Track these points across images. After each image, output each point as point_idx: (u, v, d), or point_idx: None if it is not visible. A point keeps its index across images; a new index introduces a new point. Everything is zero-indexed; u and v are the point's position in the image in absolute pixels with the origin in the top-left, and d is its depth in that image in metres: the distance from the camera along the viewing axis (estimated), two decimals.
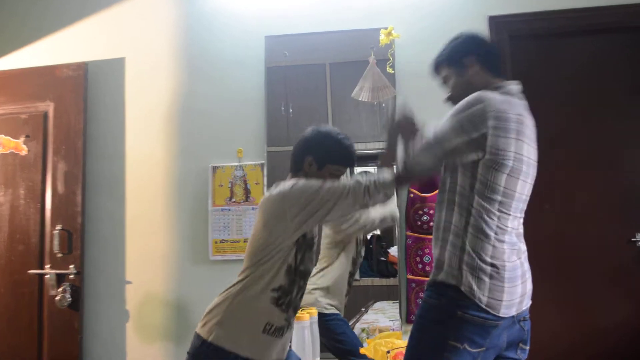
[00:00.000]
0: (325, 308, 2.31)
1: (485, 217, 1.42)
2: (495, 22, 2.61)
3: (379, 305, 2.70)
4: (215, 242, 2.67)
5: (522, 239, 1.51)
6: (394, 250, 2.67)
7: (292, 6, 2.75)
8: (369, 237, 2.71)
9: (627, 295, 2.51)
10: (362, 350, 2.34)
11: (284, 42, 2.74)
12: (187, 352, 1.59)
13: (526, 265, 1.49)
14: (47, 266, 2.73)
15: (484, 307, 1.40)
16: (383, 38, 2.57)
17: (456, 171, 1.49)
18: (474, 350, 1.40)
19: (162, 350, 2.69)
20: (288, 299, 1.60)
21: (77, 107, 2.78)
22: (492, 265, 1.41)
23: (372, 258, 2.75)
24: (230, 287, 1.58)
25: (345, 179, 1.63)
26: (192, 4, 2.83)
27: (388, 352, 2.23)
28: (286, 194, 1.53)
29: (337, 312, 2.35)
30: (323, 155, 1.67)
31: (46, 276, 2.71)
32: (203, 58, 2.79)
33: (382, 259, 2.77)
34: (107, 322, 2.76)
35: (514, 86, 1.57)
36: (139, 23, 2.88)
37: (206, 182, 2.71)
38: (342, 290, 2.37)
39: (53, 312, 2.69)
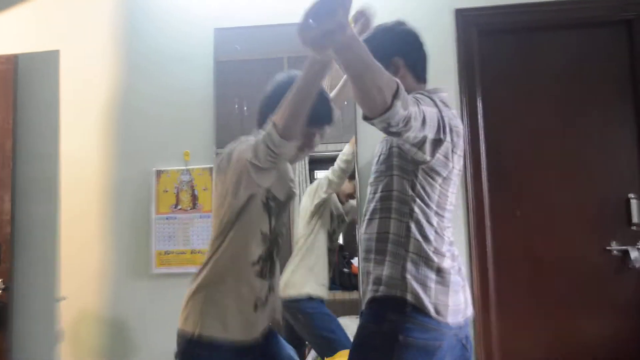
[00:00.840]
0: (309, 292, 2.29)
1: (426, 221, 1.39)
2: (463, 15, 2.51)
3: (341, 321, 2.48)
4: (159, 254, 2.49)
5: (454, 246, 1.48)
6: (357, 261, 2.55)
7: None
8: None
9: (603, 304, 2.44)
10: None
11: (236, 35, 2.59)
12: (175, 356, 1.51)
13: (463, 270, 1.47)
14: None
15: (432, 314, 1.36)
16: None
17: (389, 177, 1.43)
18: None
19: None
20: (269, 265, 1.55)
21: (5, 103, 2.56)
22: (438, 269, 1.38)
23: (334, 269, 2.59)
24: (203, 268, 1.49)
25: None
26: None
27: None
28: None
29: (321, 297, 2.31)
30: None
31: None
32: (146, 52, 2.62)
33: (345, 270, 2.63)
34: (39, 342, 2.55)
35: (445, 94, 1.48)
36: (76, 13, 2.68)
37: (149, 188, 2.53)
38: (324, 267, 2.33)
39: None
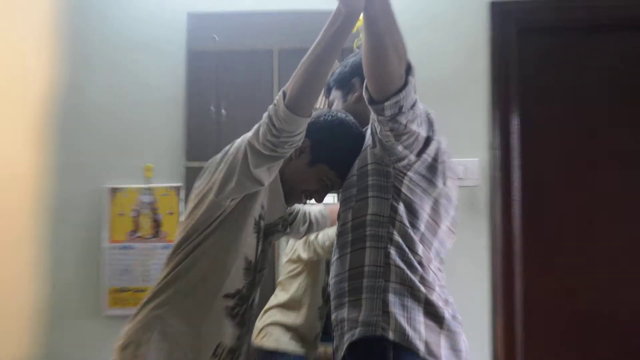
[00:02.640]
0: (289, 346, 2.09)
1: (409, 248, 1.30)
2: (500, 9, 2.29)
3: None
4: (112, 291, 2.21)
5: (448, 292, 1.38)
6: None
7: None
8: None
9: None
10: None
11: (214, 23, 2.38)
12: None
13: (459, 318, 1.34)
14: None
15: (423, 354, 1.24)
16: None
17: (363, 200, 1.33)
18: None
19: None
20: (244, 310, 1.42)
21: None
22: (427, 302, 1.27)
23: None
24: (157, 290, 1.36)
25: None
26: None
27: None
28: None
29: (301, 353, 2.12)
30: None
31: None
32: (98, 40, 2.36)
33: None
34: None
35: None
36: None
37: (100, 209, 2.26)
38: (313, 330, 2.13)
39: None
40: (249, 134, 1.25)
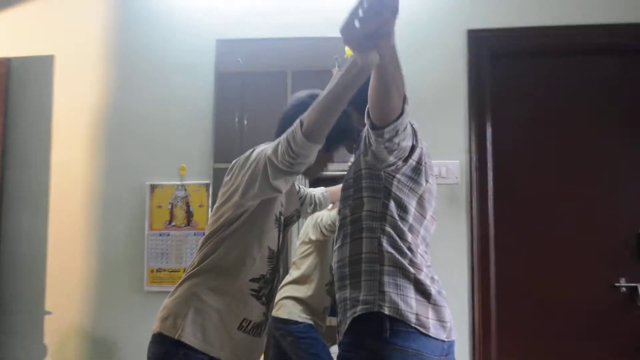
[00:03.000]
0: (300, 316, 2.28)
1: (399, 236, 1.41)
2: (476, 36, 2.52)
3: (334, 350, 2.51)
4: (152, 271, 2.46)
5: (433, 271, 1.49)
6: None
7: (248, 8, 2.61)
8: None
9: (609, 343, 2.45)
10: None
11: (238, 47, 2.60)
12: None
13: (444, 293, 1.46)
14: None
15: (413, 323, 1.35)
16: (348, 49, 2.41)
17: (358, 199, 1.45)
18: None
19: None
20: (269, 290, 1.53)
21: None
22: (416, 281, 1.39)
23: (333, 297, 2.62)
24: (192, 272, 1.48)
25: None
26: (134, 2, 2.67)
27: None
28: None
29: (310, 322, 2.32)
30: None
31: None
32: (143, 61, 2.64)
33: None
34: (23, 358, 2.55)
35: None
36: (72, 18, 2.70)
37: (143, 202, 2.52)
38: (322, 303, 2.32)
39: None
40: (269, 150, 1.35)
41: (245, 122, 2.59)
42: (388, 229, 1.41)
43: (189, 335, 1.42)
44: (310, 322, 2.31)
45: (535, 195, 2.51)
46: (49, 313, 2.53)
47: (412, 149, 1.37)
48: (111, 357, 2.47)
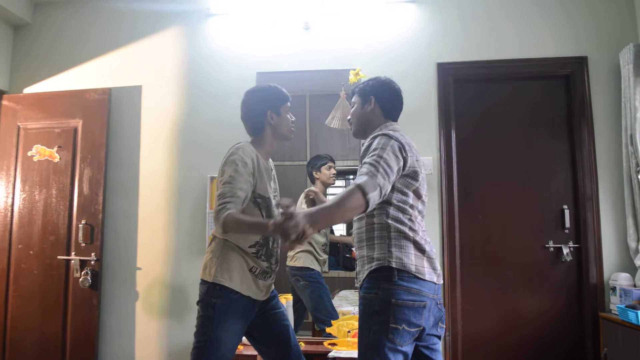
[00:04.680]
0: (312, 264, 2.87)
1: (402, 212, 1.67)
2: (443, 68, 3.12)
3: (343, 293, 3.17)
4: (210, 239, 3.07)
5: (427, 236, 1.77)
6: None
7: (280, 49, 3.25)
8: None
9: (541, 287, 2.97)
10: (327, 330, 2.83)
11: (271, 77, 3.15)
12: (197, 302, 1.84)
13: (435, 252, 1.74)
14: (73, 253, 3.22)
15: (413, 272, 1.60)
16: (352, 77, 3.06)
17: None
18: (412, 330, 1.61)
19: (165, 325, 3.15)
20: (265, 250, 1.85)
21: (101, 124, 3.28)
22: (414, 242, 1.66)
23: (338, 255, 3.25)
24: (216, 237, 1.86)
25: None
26: (199, 44, 3.34)
27: (349, 331, 2.71)
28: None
29: (319, 270, 2.87)
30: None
31: (72, 261, 3.20)
32: (205, 88, 3.27)
33: (347, 255, 3.25)
34: (121, 301, 3.20)
35: (397, 126, 1.89)
36: (155, 57, 3.37)
37: (205, 189, 3.17)
38: (322, 257, 2.93)
39: (76, 291, 3.19)
40: (217, 191, 1.71)
41: None
42: (393, 207, 1.67)
43: (219, 277, 1.78)
44: (319, 270, 2.90)
45: (488, 181, 3.06)
46: (139, 269, 3.19)
47: (404, 162, 1.64)
48: (184, 300, 3.09)
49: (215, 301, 1.79)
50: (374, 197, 1.53)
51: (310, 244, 2.95)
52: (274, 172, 2.03)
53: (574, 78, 3.05)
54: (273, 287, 2.01)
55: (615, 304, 2.77)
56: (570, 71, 3.06)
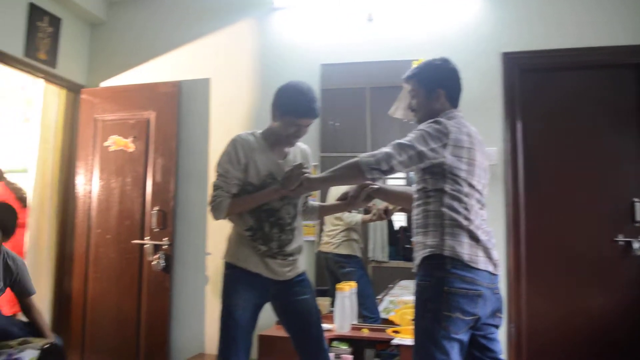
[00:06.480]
0: (358, 252, 3.09)
1: (457, 201, 1.69)
2: (508, 57, 3.10)
3: (403, 283, 3.24)
4: None
5: (487, 225, 1.76)
6: None
7: (343, 41, 3.33)
8: (397, 227, 3.32)
9: (610, 282, 2.91)
10: (390, 318, 2.93)
11: (335, 70, 3.32)
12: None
13: (494, 242, 1.73)
14: (147, 238, 3.41)
15: (466, 260, 1.61)
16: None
17: (424, 180, 1.78)
18: (467, 318, 1.62)
19: None
20: (261, 234, 2.00)
21: (172, 116, 3.45)
22: (468, 231, 1.66)
23: (398, 245, 3.32)
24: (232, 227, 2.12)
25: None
26: (264, 37, 3.46)
27: (413, 319, 2.74)
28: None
29: (359, 257, 3.07)
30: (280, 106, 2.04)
31: (145, 246, 3.40)
32: (270, 79, 3.26)
33: (407, 246, 3.29)
34: (191, 283, 3.37)
35: (459, 113, 1.87)
36: (223, 51, 3.52)
37: None
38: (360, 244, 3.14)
39: (150, 274, 3.38)
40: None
41: (337, 124, 3.28)
42: (447, 195, 1.70)
43: (231, 257, 2.06)
44: (360, 257, 3.03)
45: (554, 173, 3.02)
46: (209, 254, 3.35)
47: (444, 145, 1.67)
48: None
49: (225, 274, 2.07)
50: (370, 174, 1.69)
51: (352, 230, 3.06)
52: (293, 157, 2.11)
53: None
54: (300, 270, 2.10)
55: None
56: None
